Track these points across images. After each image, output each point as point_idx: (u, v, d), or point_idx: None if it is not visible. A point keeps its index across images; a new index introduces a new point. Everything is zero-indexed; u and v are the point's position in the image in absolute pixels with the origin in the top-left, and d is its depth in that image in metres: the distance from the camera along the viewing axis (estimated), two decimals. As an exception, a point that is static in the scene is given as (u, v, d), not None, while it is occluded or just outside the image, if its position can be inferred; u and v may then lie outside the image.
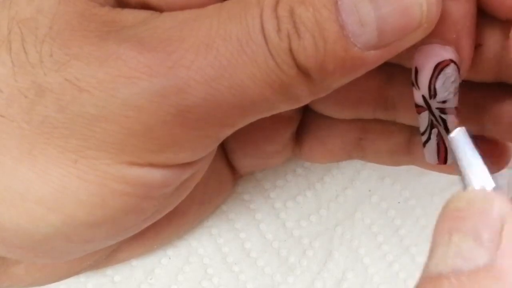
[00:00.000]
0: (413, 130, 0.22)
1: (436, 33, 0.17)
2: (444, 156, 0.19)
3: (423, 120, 0.18)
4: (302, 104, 0.18)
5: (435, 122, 0.18)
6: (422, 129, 0.19)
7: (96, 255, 0.22)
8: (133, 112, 0.16)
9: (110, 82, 0.16)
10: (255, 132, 0.23)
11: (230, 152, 0.25)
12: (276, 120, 0.23)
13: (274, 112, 0.18)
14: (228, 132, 0.18)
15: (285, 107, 0.17)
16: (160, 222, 0.23)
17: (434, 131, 0.18)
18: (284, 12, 0.16)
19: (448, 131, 0.18)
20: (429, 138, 0.19)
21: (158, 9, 0.17)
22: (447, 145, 0.18)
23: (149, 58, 0.16)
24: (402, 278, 0.26)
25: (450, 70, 0.17)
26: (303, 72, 0.16)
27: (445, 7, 0.16)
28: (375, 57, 0.16)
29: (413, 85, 0.18)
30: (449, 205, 0.14)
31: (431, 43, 0.17)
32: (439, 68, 0.17)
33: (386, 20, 0.16)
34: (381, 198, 0.27)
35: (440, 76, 0.17)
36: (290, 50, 0.16)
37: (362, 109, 0.22)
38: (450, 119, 0.18)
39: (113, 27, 0.17)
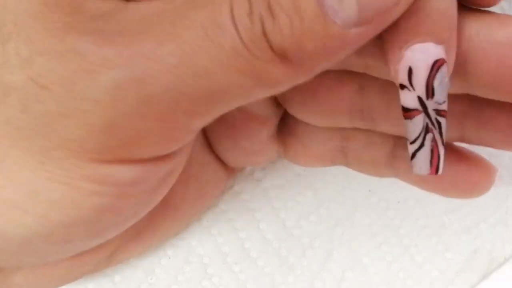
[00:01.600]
0: (396, 142, 0.22)
1: (432, 31, 0.16)
2: (437, 164, 0.18)
3: (416, 125, 0.17)
4: (283, 89, 0.16)
5: (430, 125, 0.17)
6: (414, 136, 0.17)
7: (96, 259, 0.22)
8: (91, 106, 0.16)
9: (69, 77, 0.16)
10: (231, 129, 0.23)
11: (214, 147, 0.24)
12: (248, 119, 0.23)
13: (254, 99, 0.17)
14: (201, 122, 0.17)
15: (262, 93, 0.16)
16: (154, 219, 0.23)
17: (429, 136, 0.17)
18: None
19: (442, 136, 0.17)
20: (422, 145, 0.18)
21: None
22: (440, 152, 0.18)
23: (107, 50, 0.16)
24: (402, 278, 0.26)
25: (445, 69, 0.16)
26: (279, 54, 0.15)
27: (441, 4, 0.16)
28: (357, 35, 0.15)
29: (402, 87, 0.17)
30: None
31: (424, 42, 0.16)
32: (436, 66, 0.16)
33: None
34: (381, 198, 0.27)
35: (438, 75, 0.16)
36: (264, 33, 0.15)
37: (338, 118, 0.22)
38: (444, 123, 0.17)
39: (75, 17, 0.16)
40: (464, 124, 0.20)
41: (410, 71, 0.17)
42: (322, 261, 0.26)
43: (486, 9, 0.18)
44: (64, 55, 0.16)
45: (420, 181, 0.22)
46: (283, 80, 0.16)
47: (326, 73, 0.21)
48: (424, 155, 0.18)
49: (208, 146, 0.24)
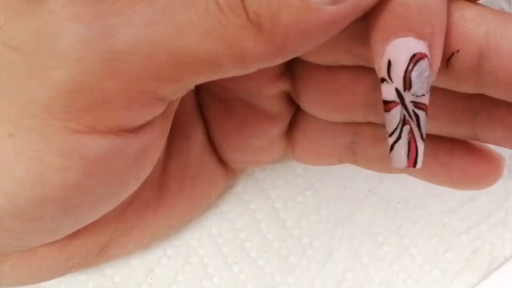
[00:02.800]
0: None
1: (412, 26, 0.16)
2: (415, 157, 0.18)
3: (394, 117, 0.17)
4: (250, 67, 0.16)
5: (407, 117, 0.17)
6: (391, 128, 0.18)
7: (84, 251, 0.22)
8: (57, 62, 0.15)
9: (38, 33, 0.16)
10: (241, 125, 0.23)
11: (218, 147, 0.24)
12: (260, 114, 0.23)
13: (221, 73, 0.16)
14: (169, 89, 0.17)
15: (231, 66, 0.16)
16: (146, 215, 0.23)
17: (406, 128, 0.17)
18: None
19: (420, 129, 0.17)
20: (399, 137, 0.18)
21: None
22: (418, 145, 0.18)
23: (78, 7, 0.15)
24: (402, 278, 0.26)
25: (425, 63, 0.17)
26: (253, 22, 0.15)
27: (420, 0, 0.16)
28: (333, 14, 0.15)
29: (382, 81, 0.17)
30: None
31: (405, 36, 0.16)
32: (414, 59, 0.16)
33: None
34: (381, 198, 0.27)
35: (416, 68, 0.17)
36: None
37: (352, 113, 0.22)
38: (423, 117, 0.17)
39: None
40: (475, 122, 0.20)
41: (389, 64, 0.17)
42: (322, 261, 0.26)
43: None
44: (35, 14, 0.16)
45: (429, 175, 0.22)
46: (254, 52, 0.16)
47: (342, 69, 0.21)
48: (402, 147, 0.18)
49: (209, 147, 0.24)
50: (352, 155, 0.23)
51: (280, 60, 0.16)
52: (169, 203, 0.23)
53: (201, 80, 0.17)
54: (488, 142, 0.21)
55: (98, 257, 0.23)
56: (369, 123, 0.22)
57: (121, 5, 0.15)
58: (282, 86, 0.22)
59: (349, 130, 0.23)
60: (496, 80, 0.17)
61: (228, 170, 0.25)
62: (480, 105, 0.19)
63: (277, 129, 0.23)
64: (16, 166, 0.16)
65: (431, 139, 0.21)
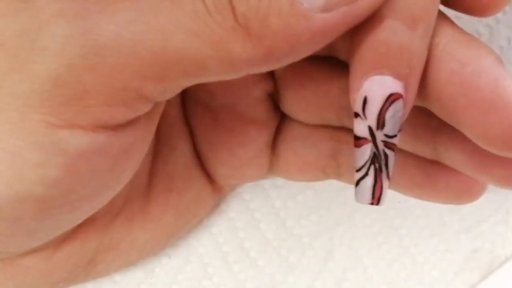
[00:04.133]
0: None
1: (390, 65, 0.16)
2: (379, 195, 0.18)
3: (363, 153, 0.17)
4: (238, 71, 0.16)
5: (377, 155, 0.17)
6: (360, 164, 0.18)
7: (69, 264, 0.21)
8: (39, 56, 0.15)
9: (23, 29, 0.16)
10: (228, 133, 0.23)
11: (204, 160, 0.24)
12: (247, 121, 0.23)
13: (207, 76, 0.16)
14: (153, 89, 0.16)
15: (218, 69, 0.16)
16: (131, 228, 0.23)
17: (374, 167, 0.18)
18: None
19: (387, 168, 0.18)
20: (366, 174, 0.18)
21: None
22: (383, 184, 0.18)
23: (62, 2, 0.15)
24: (402, 278, 0.26)
25: (400, 104, 0.17)
26: (241, 25, 0.15)
27: (404, 39, 0.16)
28: (323, 22, 0.15)
29: (356, 116, 0.17)
30: None
31: (383, 75, 0.16)
32: (390, 99, 0.17)
33: None
34: (381, 197, 0.27)
35: (391, 108, 0.17)
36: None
37: (326, 115, 0.22)
38: (392, 156, 0.17)
39: None
40: (435, 140, 0.20)
41: (365, 101, 0.17)
42: (322, 261, 0.26)
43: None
44: (23, 12, 0.16)
45: (413, 186, 0.22)
46: (241, 56, 0.15)
47: (318, 68, 0.21)
48: (367, 185, 0.18)
49: (196, 160, 0.24)
50: (336, 167, 0.23)
51: (270, 66, 0.16)
52: (155, 217, 0.23)
53: (188, 82, 0.16)
54: (450, 165, 0.20)
55: (85, 272, 0.22)
56: (350, 132, 0.22)
57: (105, 3, 0.15)
58: (266, 87, 0.22)
59: (331, 137, 0.23)
60: (432, 92, 0.17)
61: (215, 187, 0.25)
62: (441, 123, 0.19)
63: (264, 137, 0.23)
64: None
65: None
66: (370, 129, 0.17)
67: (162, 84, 0.16)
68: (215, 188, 0.25)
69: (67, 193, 0.17)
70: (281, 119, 0.24)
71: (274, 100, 0.23)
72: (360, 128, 0.17)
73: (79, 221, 0.20)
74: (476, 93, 0.16)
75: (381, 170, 0.18)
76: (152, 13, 0.15)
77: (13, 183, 0.16)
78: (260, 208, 0.27)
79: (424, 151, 0.21)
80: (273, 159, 0.24)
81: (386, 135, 0.17)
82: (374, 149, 0.17)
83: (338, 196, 0.27)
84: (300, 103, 0.22)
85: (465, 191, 0.21)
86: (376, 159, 0.17)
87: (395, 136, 0.17)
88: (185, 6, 0.15)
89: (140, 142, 0.19)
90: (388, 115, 0.17)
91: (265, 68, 0.16)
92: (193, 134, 0.24)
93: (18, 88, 0.16)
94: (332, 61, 0.21)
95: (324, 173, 0.24)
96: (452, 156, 0.20)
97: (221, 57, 0.15)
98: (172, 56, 0.15)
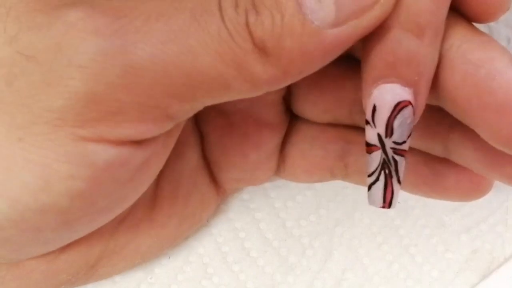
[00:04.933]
0: None
1: (398, 74, 0.17)
2: (390, 199, 0.18)
3: (374, 160, 0.18)
4: (259, 89, 0.17)
5: (387, 161, 0.18)
6: (371, 170, 0.18)
7: (74, 267, 0.22)
8: (76, 73, 0.16)
9: (56, 44, 0.16)
10: (241, 138, 0.23)
11: (214, 165, 0.24)
12: (261, 125, 0.23)
13: (230, 95, 0.17)
14: (181, 107, 0.17)
15: (240, 87, 0.17)
16: (136, 233, 0.23)
17: (384, 172, 0.18)
18: None
19: (398, 173, 0.18)
20: (377, 179, 0.18)
21: None
22: (394, 188, 0.18)
23: (97, 20, 0.16)
24: (402, 278, 0.26)
25: (408, 111, 0.17)
26: (259, 47, 0.16)
27: (411, 47, 0.16)
28: (334, 37, 0.16)
29: (367, 123, 0.18)
30: None
31: (392, 82, 0.17)
32: (398, 107, 0.17)
33: None
34: (381, 198, 0.27)
35: (399, 116, 0.17)
36: (247, 24, 0.16)
37: (338, 112, 0.22)
38: (402, 162, 0.18)
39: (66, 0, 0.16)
40: (448, 137, 0.20)
41: (374, 109, 0.17)
42: (322, 261, 0.26)
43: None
44: (53, 26, 0.16)
45: (421, 184, 0.22)
46: (262, 76, 0.16)
47: (333, 63, 0.21)
48: (378, 189, 0.18)
49: (203, 166, 0.24)
50: (343, 167, 0.23)
51: (288, 81, 0.17)
52: (160, 222, 0.23)
53: (211, 101, 0.17)
54: (460, 162, 0.20)
55: (88, 275, 0.23)
56: (360, 131, 0.22)
57: (140, 23, 0.16)
58: (281, 89, 0.22)
59: (340, 137, 0.23)
60: (446, 93, 0.17)
61: (219, 191, 0.25)
62: (455, 120, 0.19)
63: (276, 140, 0.23)
64: (23, 172, 0.16)
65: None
66: (379, 136, 0.17)
67: (190, 103, 0.17)
68: (219, 193, 0.25)
69: (90, 206, 0.18)
70: (290, 121, 0.24)
71: (286, 103, 0.23)
72: (370, 135, 0.18)
73: (92, 230, 0.20)
74: (489, 95, 0.16)
75: (391, 176, 0.18)
76: (183, 34, 0.16)
77: (41, 194, 0.17)
78: (260, 208, 0.27)
79: (435, 148, 0.21)
80: (280, 162, 0.24)
81: (395, 142, 0.17)
82: (384, 156, 0.18)
83: (337, 196, 0.27)
84: (313, 99, 0.22)
85: (473, 188, 0.22)
86: (386, 165, 0.18)
87: (404, 142, 0.17)
88: (210, 29, 0.16)
89: (160, 156, 0.19)
90: (396, 123, 0.17)
91: (283, 85, 0.17)
92: (202, 140, 0.24)
93: (54, 102, 0.16)
94: (347, 57, 0.21)
95: (332, 174, 0.24)
96: (463, 154, 0.20)
97: (244, 78, 0.16)
98: (201, 76, 0.16)
